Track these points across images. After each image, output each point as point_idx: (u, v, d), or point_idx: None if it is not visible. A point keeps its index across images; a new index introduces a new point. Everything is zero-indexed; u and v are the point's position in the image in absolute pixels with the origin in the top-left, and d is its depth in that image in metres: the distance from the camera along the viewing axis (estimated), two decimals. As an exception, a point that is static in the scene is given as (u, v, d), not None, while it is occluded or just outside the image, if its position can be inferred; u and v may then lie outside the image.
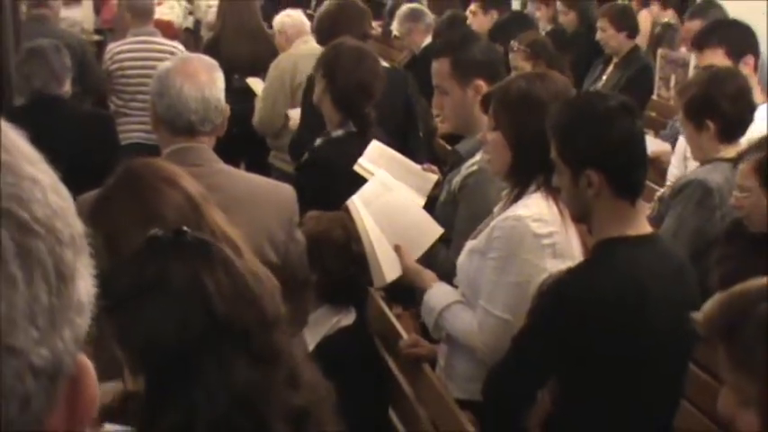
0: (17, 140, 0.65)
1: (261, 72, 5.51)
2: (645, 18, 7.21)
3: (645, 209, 3.88)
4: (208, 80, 2.80)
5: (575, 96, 2.94)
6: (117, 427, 2.15)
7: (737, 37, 4.30)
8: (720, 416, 1.85)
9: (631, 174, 2.48)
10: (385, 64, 4.88)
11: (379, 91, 3.80)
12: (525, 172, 2.78)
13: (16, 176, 0.61)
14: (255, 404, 1.77)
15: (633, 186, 2.48)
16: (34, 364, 0.59)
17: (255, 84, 5.51)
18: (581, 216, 2.56)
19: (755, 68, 4.38)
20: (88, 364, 0.66)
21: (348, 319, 3.11)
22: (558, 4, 7.36)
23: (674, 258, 2.62)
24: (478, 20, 6.96)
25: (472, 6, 7.11)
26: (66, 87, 4.87)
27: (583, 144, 2.44)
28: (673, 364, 2.53)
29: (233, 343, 1.79)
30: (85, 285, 0.64)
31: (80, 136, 4.65)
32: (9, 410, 0.58)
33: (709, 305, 1.80)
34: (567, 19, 7.15)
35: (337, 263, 3.05)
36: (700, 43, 4.37)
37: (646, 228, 2.56)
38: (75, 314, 0.63)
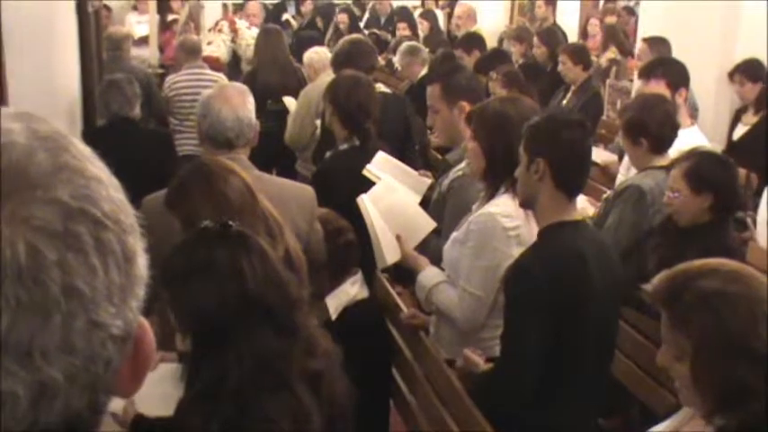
0: (78, 144, 0.63)
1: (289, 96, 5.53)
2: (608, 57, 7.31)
3: (593, 207, 3.92)
4: (240, 103, 2.79)
5: (548, 108, 2.93)
6: (171, 363, 2.16)
7: (676, 73, 4.30)
8: (659, 367, 1.86)
9: (571, 173, 2.46)
10: (387, 90, 4.89)
11: (375, 108, 3.78)
12: (496, 175, 2.78)
13: (86, 178, 0.60)
14: (277, 367, 1.78)
15: (571, 184, 2.46)
16: (113, 334, 0.60)
17: (290, 102, 5.50)
18: (528, 200, 2.52)
19: (685, 99, 4.41)
20: (146, 325, 0.66)
21: (363, 293, 3.10)
22: (535, 39, 7.38)
23: (600, 237, 2.64)
24: (465, 61, 6.94)
25: (457, 52, 7.05)
26: (137, 111, 4.91)
27: (540, 138, 2.44)
28: (607, 320, 2.51)
29: (260, 317, 1.79)
30: (142, 261, 0.64)
31: (146, 148, 4.68)
32: (97, 370, 0.59)
33: (657, 279, 1.82)
34: (540, 51, 7.18)
35: (329, 243, 2.95)
36: (647, 74, 4.36)
37: (577, 216, 2.55)
38: (138, 287, 0.63)
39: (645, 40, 5.58)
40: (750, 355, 1.63)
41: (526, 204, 2.55)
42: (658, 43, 5.39)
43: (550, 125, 2.45)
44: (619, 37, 7.63)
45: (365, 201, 3.19)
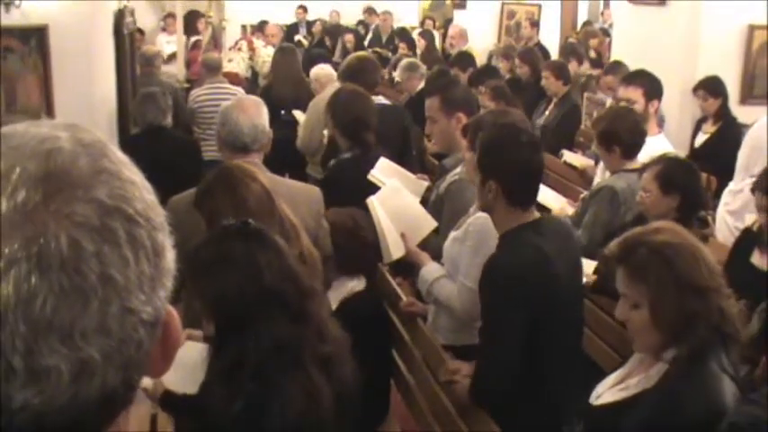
0: (116, 151, 0.63)
1: (301, 108, 5.51)
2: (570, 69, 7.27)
3: (571, 207, 3.90)
4: (256, 113, 2.79)
5: (501, 124, 2.75)
6: (199, 344, 2.15)
7: (652, 85, 4.28)
8: (618, 319, 1.98)
9: (523, 191, 2.40)
10: (388, 102, 4.86)
11: (373, 120, 3.70)
12: None
13: (121, 180, 0.60)
14: (291, 351, 1.77)
15: (523, 200, 2.40)
16: (144, 319, 0.60)
17: (299, 114, 5.50)
18: (485, 209, 2.48)
19: (656, 110, 4.39)
20: (174, 313, 0.66)
21: (360, 285, 3.07)
22: (517, 61, 7.33)
23: (559, 229, 2.54)
24: (460, 78, 6.89)
25: (453, 70, 6.99)
26: (168, 120, 4.91)
27: (492, 163, 2.38)
28: (574, 300, 2.49)
29: (276, 306, 1.79)
30: (170, 256, 0.64)
31: (176, 154, 4.68)
32: (130, 351, 0.59)
33: (613, 244, 1.95)
34: (523, 71, 7.13)
35: (344, 240, 2.93)
36: (628, 81, 4.33)
37: (536, 215, 2.47)
38: (166, 279, 0.63)
39: (606, 70, 5.67)
40: (696, 289, 1.85)
41: (484, 211, 2.51)
42: (618, 67, 5.50)
43: (500, 149, 2.37)
44: (578, 52, 7.68)
45: (374, 202, 3.17)
